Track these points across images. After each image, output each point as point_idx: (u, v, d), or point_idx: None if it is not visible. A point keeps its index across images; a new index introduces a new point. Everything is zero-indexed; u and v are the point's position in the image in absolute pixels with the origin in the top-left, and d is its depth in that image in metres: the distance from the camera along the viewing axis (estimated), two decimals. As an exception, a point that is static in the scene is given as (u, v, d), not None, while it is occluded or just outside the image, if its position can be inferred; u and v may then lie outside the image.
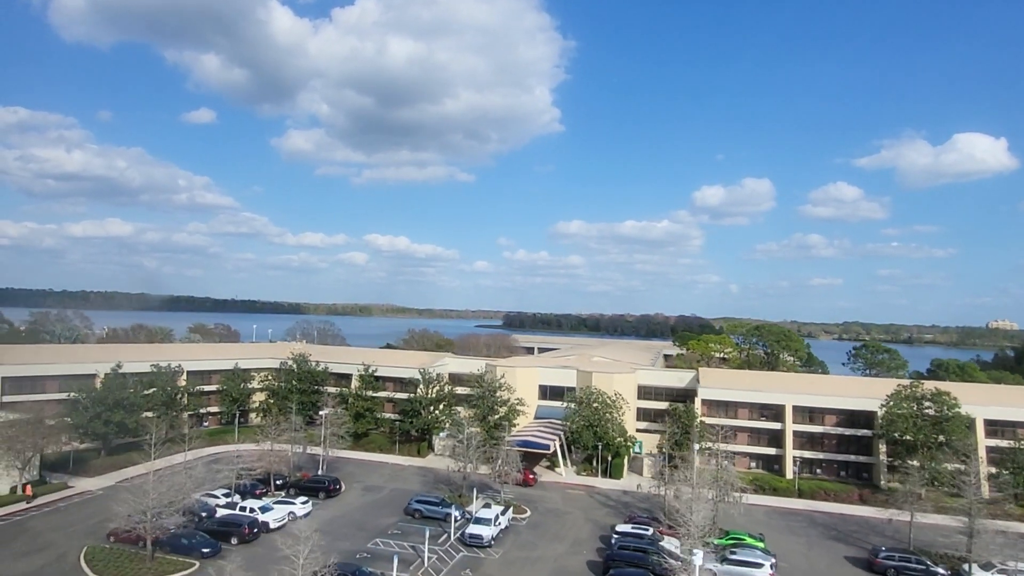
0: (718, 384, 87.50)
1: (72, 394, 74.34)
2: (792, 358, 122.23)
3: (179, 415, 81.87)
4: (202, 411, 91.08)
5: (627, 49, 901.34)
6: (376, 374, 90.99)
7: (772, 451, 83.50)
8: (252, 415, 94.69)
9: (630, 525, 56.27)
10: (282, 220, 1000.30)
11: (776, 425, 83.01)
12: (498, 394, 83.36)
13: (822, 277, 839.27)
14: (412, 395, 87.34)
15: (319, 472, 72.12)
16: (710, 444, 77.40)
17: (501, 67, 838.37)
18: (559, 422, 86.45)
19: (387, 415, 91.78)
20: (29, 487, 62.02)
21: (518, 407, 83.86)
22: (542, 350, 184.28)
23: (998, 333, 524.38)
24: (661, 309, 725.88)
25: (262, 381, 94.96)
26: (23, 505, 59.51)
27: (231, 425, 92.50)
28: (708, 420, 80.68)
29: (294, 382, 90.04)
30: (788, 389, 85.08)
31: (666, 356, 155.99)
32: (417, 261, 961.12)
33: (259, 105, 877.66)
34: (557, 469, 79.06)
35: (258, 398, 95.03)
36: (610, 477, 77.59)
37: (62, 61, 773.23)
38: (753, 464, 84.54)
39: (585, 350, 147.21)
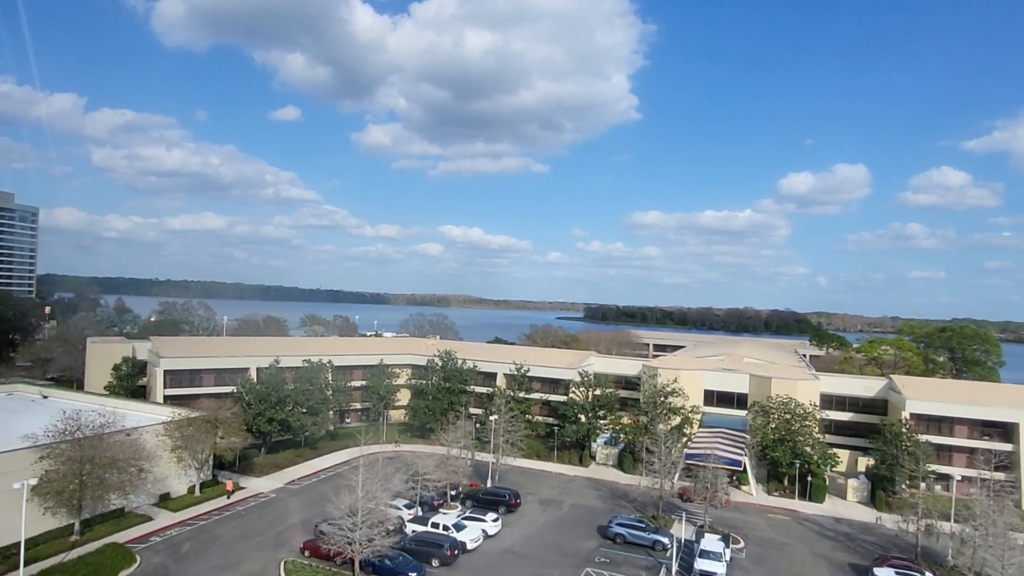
0: (927, 395, 75.59)
1: (236, 389, 72.21)
2: (990, 364, 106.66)
3: (329, 412, 78.91)
4: (346, 408, 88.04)
5: (709, 31, 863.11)
6: (528, 374, 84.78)
7: (1000, 476, 71.01)
8: (392, 413, 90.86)
9: (892, 571, 46.81)
10: (361, 212, 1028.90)
11: (1007, 446, 70.52)
12: (670, 400, 75.22)
13: (922, 270, 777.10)
14: (570, 397, 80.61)
15: (488, 483, 66.45)
16: (931, 468, 67.01)
17: (578, 55, 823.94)
18: (736, 433, 77.41)
19: (539, 418, 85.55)
20: (231, 483, 60.19)
21: (692, 415, 75.46)
22: (658, 347, 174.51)
23: None
24: (741, 302, 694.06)
25: (406, 379, 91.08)
26: (208, 507, 56.86)
27: (374, 423, 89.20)
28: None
29: (442, 380, 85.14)
30: (1023, 404, 72.23)
31: (804, 356, 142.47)
32: (490, 252, 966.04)
33: (340, 101, 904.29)
34: (744, 488, 70.16)
35: (403, 395, 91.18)
36: (810, 500, 67.91)
37: (163, 65, 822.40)
38: (973, 491, 72.34)
39: (715, 348, 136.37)
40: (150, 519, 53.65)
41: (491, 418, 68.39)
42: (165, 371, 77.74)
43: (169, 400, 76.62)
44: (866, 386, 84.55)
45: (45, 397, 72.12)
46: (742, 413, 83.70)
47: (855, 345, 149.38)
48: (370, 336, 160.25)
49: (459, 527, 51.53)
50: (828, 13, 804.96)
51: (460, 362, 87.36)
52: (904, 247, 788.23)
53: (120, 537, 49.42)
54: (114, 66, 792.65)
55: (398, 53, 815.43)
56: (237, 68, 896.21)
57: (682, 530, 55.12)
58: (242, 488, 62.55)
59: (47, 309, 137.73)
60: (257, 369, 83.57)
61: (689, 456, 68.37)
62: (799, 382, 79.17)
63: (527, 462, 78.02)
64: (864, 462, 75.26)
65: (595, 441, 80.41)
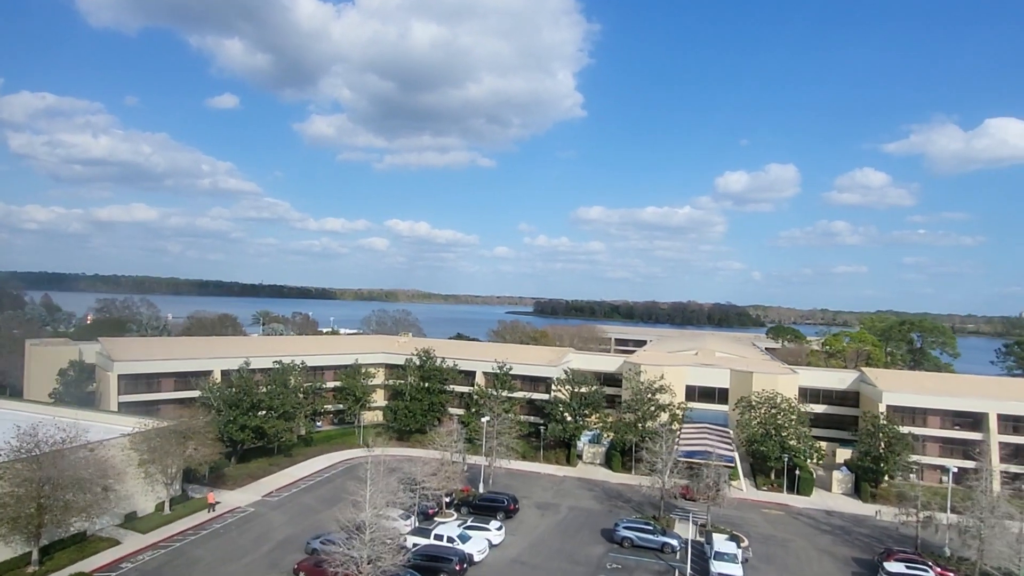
0: (901, 387, 77.70)
1: (202, 395, 66.79)
2: (946, 356, 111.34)
3: (303, 417, 74.34)
4: (319, 412, 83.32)
5: (651, 32, 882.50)
6: (511, 372, 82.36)
7: (970, 464, 73.80)
8: (366, 415, 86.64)
9: (902, 565, 47.04)
10: (304, 205, 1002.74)
11: (976, 435, 73.17)
12: (657, 397, 74.46)
13: (847, 265, 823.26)
14: (555, 396, 78.80)
15: (480, 488, 63.76)
16: (912, 458, 68.93)
17: (525, 51, 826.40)
18: (720, 428, 77.52)
19: (522, 418, 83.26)
20: (212, 495, 55.21)
21: (679, 411, 74.95)
22: (619, 341, 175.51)
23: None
24: (682, 296, 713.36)
25: (382, 379, 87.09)
26: (181, 526, 51.89)
27: (347, 426, 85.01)
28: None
29: (421, 380, 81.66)
30: (990, 395, 75.07)
31: (767, 350, 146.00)
32: (437, 246, 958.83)
33: (282, 90, 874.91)
34: (735, 483, 70.07)
35: (377, 396, 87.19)
36: (798, 493, 68.48)
37: (89, 47, 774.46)
38: (944, 479, 74.89)
39: (679, 343, 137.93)
40: (117, 543, 48.36)
41: (483, 419, 65.64)
42: (119, 375, 71.15)
43: (124, 407, 70.48)
44: (839, 379, 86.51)
45: (-19, 407, 64.68)
46: (724, 408, 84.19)
47: (812, 338, 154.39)
48: (326, 333, 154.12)
49: (464, 538, 48.77)
50: (762, 19, 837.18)
51: (440, 361, 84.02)
52: (831, 243, 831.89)
53: (86, 565, 44.27)
54: (34, 46, 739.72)
55: (342, 42, 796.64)
56: (171, 52, 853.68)
57: (689, 530, 54.20)
58: (217, 503, 57.63)
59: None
60: (222, 372, 77.99)
61: (686, 454, 67.62)
62: (780, 376, 79.99)
63: (514, 464, 75.75)
64: (843, 454, 76.66)
65: (579, 440, 78.90)
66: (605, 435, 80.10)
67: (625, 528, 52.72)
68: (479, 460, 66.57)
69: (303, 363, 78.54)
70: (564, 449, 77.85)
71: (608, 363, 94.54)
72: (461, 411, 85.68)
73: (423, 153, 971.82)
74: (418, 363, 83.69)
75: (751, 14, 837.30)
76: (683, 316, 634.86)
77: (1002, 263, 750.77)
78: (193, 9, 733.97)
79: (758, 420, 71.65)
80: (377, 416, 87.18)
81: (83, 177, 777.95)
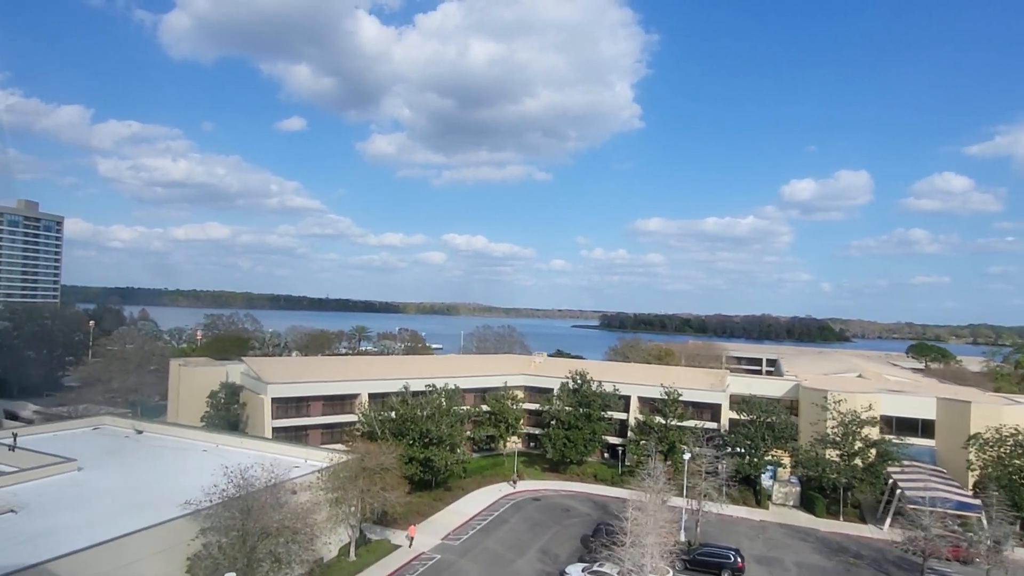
0: None
1: (363, 421, 61.42)
2: None
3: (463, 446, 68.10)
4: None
5: (711, 40, 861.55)
6: (680, 398, 73.94)
7: None
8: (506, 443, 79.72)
9: None
10: (365, 221, 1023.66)
11: None
12: (865, 430, 64.54)
13: (926, 275, 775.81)
14: (736, 425, 69.87)
15: (681, 535, 55.33)
16: None
17: (582, 64, 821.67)
18: (933, 468, 66.83)
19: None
20: (414, 528, 50.32)
21: (893, 447, 64.71)
22: (733, 359, 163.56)
23: None
24: (743, 309, 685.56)
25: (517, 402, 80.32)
26: (381, 572, 45.99)
27: (488, 454, 78.56)
28: None
29: (579, 406, 74.25)
30: None
31: (915, 370, 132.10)
32: (494, 260, 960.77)
33: (345, 111, 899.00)
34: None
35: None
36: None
37: (169, 76, 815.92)
38: None
39: (819, 362, 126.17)
40: (317, 597, 42.74)
41: (684, 456, 57.41)
42: (273, 399, 66.85)
43: (276, 433, 66.08)
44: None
45: (140, 432, 61.25)
46: (929, 443, 72.98)
47: (962, 357, 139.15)
48: (433, 350, 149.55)
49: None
50: (828, 20, 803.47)
51: (596, 384, 76.46)
52: (908, 252, 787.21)
53: (294, 626, 38.55)
54: (121, 78, 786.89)
55: (403, 63, 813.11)
56: (243, 79, 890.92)
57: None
58: (396, 546, 51.62)
59: (91, 323, 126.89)
60: (369, 395, 72.93)
61: (914, 500, 57.40)
62: (1004, 407, 68.48)
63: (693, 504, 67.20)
64: None
65: (763, 477, 69.57)
66: (782, 472, 70.78)
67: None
68: (676, 502, 58.16)
69: (456, 387, 72.35)
70: (745, 487, 68.65)
71: (773, 387, 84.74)
72: (616, 440, 78.26)
73: (480, 168, 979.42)
74: (573, 386, 76.40)
75: (815, 16, 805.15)
76: (759, 330, 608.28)
77: None
78: (264, 38, 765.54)
79: (992, 460, 60.66)
80: (516, 443, 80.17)
81: (163, 198, 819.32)
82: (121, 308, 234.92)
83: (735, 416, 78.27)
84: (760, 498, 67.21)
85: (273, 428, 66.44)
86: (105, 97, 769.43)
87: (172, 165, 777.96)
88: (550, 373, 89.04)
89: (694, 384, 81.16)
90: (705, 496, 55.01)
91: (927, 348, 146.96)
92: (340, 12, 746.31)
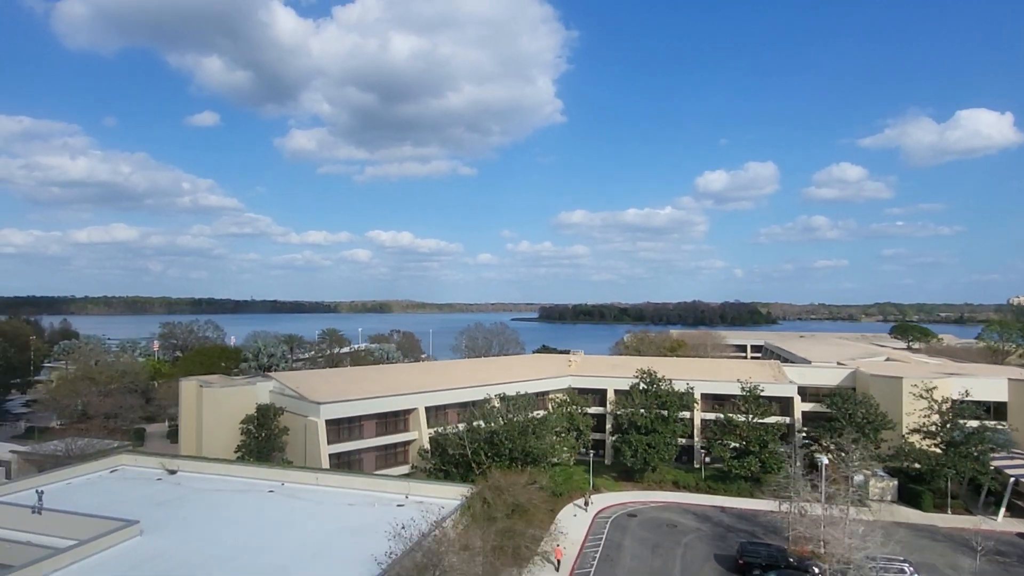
0: None
1: (450, 439, 52.78)
2: None
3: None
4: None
5: (629, 37, 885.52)
6: (763, 394, 69.45)
7: None
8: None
9: None
10: (285, 220, 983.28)
11: None
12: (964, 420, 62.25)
13: (827, 259, 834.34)
14: (841, 420, 65.81)
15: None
16: None
17: (504, 59, 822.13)
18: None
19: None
20: (560, 549, 43.03)
21: (991, 433, 62.73)
22: (736, 347, 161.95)
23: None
24: (665, 297, 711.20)
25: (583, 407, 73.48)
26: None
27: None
28: None
29: (659, 408, 68.32)
30: None
31: (912, 350, 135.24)
32: (420, 256, 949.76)
33: (262, 106, 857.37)
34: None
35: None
36: None
37: (65, 69, 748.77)
38: None
39: (835, 347, 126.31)
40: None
41: (820, 458, 52.41)
42: (327, 420, 56.74)
43: (335, 462, 56.27)
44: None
45: (173, 472, 49.86)
46: (1002, 425, 72.03)
47: (943, 336, 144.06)
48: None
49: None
50: (736, 18, 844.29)
51: (668, 383, 70.75)
52: (811, 238, 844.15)
53: None
54: (8, 70, 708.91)
55: (321, 56, 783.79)
56: (149, 72, 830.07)
57: None
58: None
59: (32, 338, 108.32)
60: (426, 409, 63.99)
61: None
62: (1077, 386, 68.32)
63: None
64: None
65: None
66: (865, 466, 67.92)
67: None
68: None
69: (528, 393, 64.56)
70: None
71: (827, 376, 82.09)
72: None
73: (404, 163, 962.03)
74: (643, 387, 70.37)
75: (725, 17, 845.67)
76: (694, 316, 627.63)
77: (980, 252, 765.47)
78: (171, 28, 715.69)
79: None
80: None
81: (61, 199, 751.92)
82: (39, 319, 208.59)
83: (807, 408, 75.19)
84: (862, 496, 63.64)
85: (332, 453, 56.48)
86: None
87: (70, 163, 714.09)
88: (593, 372, 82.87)
89: (754, 377, 77.07)
90: (850, 502, 50.30)
91: (909, 328, 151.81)
92: (254, 2, 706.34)
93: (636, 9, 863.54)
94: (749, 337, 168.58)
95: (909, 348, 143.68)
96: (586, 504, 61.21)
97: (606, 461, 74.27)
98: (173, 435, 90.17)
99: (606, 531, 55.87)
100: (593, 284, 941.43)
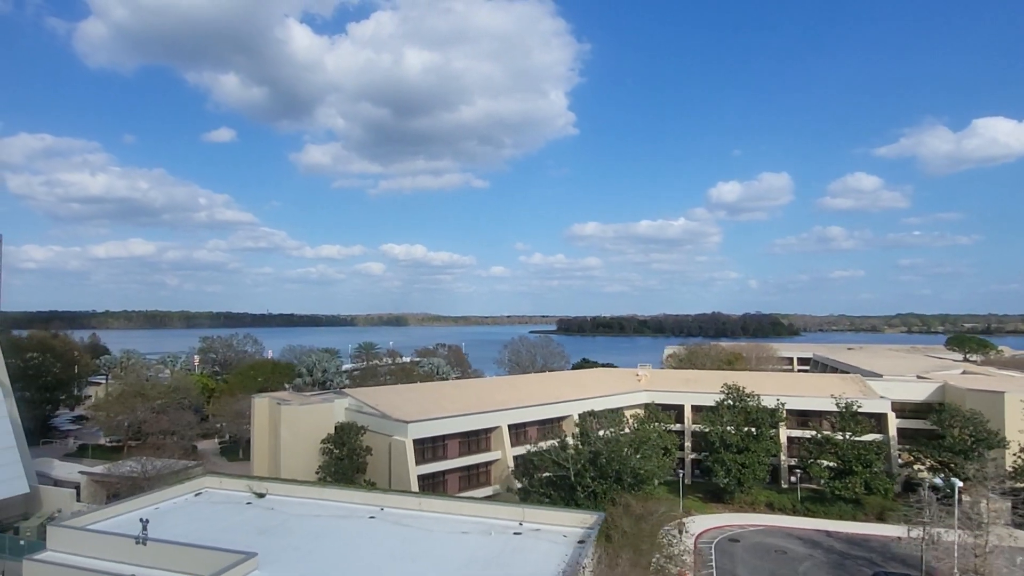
0: None
1: (555, 459, 49.57)
2: None
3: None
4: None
5: (641, 49, 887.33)
6: (859, 410, 65.68)
7: None
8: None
9: None
10: (300, 234, 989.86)
11: None
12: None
13: (843, 269, 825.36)
14: (951, 438, 61.74)
15: None
16: None
17: (516, 73, 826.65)
18: None
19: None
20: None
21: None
22: (783, 360, 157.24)
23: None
24: (679, 308, 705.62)
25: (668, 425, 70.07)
26: None
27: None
28: None
29: (750, 426, 64.79)
30: None
31: (966, 361, 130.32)
32: (433, 269, 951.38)
33: (277, 122, 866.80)
34: None
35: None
36: None
37: (86, 87, 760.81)
38: None
39: (895, 360, 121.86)
40: None
41: (954, 480, 48.64)
42: (415, 440, 53.78)
43: (425, 484, 53.25)
44: None
45: (261, 496, 46.98)
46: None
47: (1003, 348, 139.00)
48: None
49: None
50: (750, 29, 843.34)
51: (756, 399, 67.20)
52: (826, 249, 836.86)
53: None
54: (32, 89, 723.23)
55: (336, 72, 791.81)
56: (167, 89, 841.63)
57: None
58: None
59: (76, 354, 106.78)
60: (509, 427, 60.93)
61: None
62: None
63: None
64: None
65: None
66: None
67: None
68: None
69: (615, 410, 61.35)
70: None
71: (914, 391, 78.08)
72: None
73: (417, 177, 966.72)
74: (731, 404, 66.89)
75: (738, 27, 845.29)
76: (715, 328, 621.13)
77: (998, 261, 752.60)
78: (189, 46, 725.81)
79: None
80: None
81: (81, 215, 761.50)
82: (67, 334, 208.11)
83: (902, 425, 71.31)
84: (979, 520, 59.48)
85: (420, 475, 53.50)
86: (14, 109, 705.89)
87: (90, 179, 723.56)
88: (667, 387, 79.45)
89: (841, 392, 73.30)
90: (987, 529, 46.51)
91: (965, 340, 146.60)
92: (270, 20, 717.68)
93: (648, 21, 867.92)
94: (793, 349, 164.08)
95: (966, 360, 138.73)
96: (680, 529, 57.52)
97: (687, 481, 70.69)
98: (226, 452, 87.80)
99: (713, 558, 52.42)
100: (607, 296, 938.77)
